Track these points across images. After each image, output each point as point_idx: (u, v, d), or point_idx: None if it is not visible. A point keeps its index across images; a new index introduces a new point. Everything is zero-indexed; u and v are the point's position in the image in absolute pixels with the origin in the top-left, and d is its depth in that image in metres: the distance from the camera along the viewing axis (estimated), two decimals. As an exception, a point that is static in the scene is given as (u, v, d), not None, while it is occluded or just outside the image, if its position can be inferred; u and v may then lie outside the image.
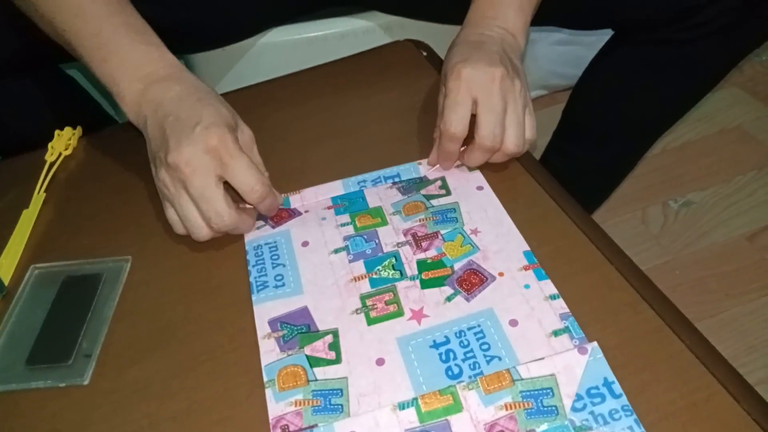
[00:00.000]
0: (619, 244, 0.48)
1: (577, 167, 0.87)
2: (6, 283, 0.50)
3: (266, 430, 0.39)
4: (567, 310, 0.43)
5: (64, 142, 0.62)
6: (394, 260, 0.48)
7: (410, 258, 0.48)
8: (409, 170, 0.56)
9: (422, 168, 0.56)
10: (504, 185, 0.54)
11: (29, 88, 0.70)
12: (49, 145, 0.62)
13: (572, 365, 0.40)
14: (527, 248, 0.48)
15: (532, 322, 0.43)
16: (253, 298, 0.47)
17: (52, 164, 0.61)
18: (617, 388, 0.39)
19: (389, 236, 0.50)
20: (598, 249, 0.48)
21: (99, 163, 0.62)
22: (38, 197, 0.57)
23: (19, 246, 0.53)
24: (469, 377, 0.40)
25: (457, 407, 0.38)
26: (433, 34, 0.75)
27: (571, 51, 1.27)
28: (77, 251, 0.53)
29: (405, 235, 0.50)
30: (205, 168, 0.46)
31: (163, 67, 0.52)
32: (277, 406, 0.40)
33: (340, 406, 0.39)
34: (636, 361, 0.41)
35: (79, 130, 0.64)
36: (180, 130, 0.47)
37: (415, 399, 0.39)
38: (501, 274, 0.46)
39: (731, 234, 1.12)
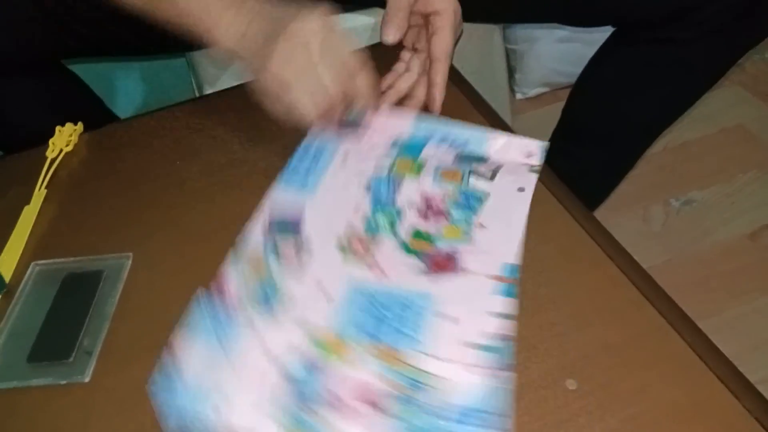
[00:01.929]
0: (620, 242, 0.48)
1: (577, 166, 0.87)
2: (7, 280, 0.50)
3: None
4: (511, 333, 0.42)
5: (65, 138, 0.62)
6: (395, 217, 0.49)
7: (409, 221, 0.49)
8: (478, 141, 0.55)
9: (490, 142, 0.55)
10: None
11: (32, 84, 0.70)
12: (50, 141, 0.62)
13: (475, 382, 0.39)
14: (515, 263, 0.46)
15: (469, 326, 0.42)
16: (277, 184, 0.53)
17: (53, 161, 0.61)
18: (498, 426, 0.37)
19: (409, 190, 0.51)
20: (600, 247, 0.48)
21: (100, 159, 0.62)
22: (39, 194, 0.57)
23: (20, 243, 0.53)
24: (375, 339, 0.42)
25: (344, 358, 0.40)
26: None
27: (573, 48, 1.27)
28: (78, 248, 0.53)
29: (421, 198, 0.51)
30: (303, 59, 0.49)
31: None
32: (228, 269, 0.46)
33: (269, 303, 0.44)
34: (638, 360, 0.41)
35: (80, 127, 0.64)
36: (275, 32, 0.49)
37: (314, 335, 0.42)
38: (474, 273, 0.46)
39: (733, 232, 1.12)
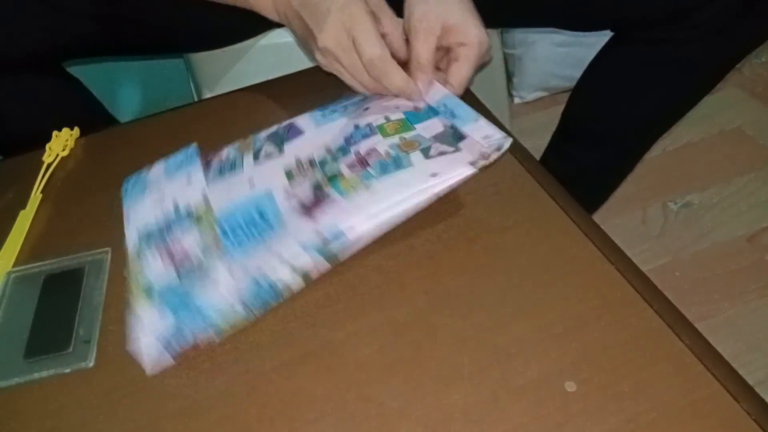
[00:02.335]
0: (618, 244, 0.48)
1: (576, 169, 0.87)
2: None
3: (265, 425, 0.39)
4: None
5: (61, 143, 0.62)
6: (336, 161, 0.52)
7: (338, 165, 0.51)
8: (468, 123, 0.54)
9: (475, 126, 0.53)
10: (504, 185, 0.53)
11: (32, 87, 0.70)
12: (47, 146, 0.62)
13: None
14: (348, 237, 0.46)
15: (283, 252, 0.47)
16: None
17: (49, 165, 0.60)
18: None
19: (367, 143, 0.52)
20: (597, 249, 0.48)
21: (95, 164, 0.62)
22: (35, 198, 0.57)
23: (15, 247, 0.53)
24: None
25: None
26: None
27: (572, 52, 1.27)
28: (65, 251, 0.53)
29: (365, 150, 0.52)
30: (349, 48, 0.52)
31: None
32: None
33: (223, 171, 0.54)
34: (636, 361, 0.40)
35: (76, 131, 0.64)
36: (318, 15, 0.53)
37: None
38: (317, 224, 0.47)
39: (731, 234, 1.12)
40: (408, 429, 0.39)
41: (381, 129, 0.53)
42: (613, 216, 1.16)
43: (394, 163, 0.49)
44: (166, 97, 1.09)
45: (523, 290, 0.45)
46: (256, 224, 0.49)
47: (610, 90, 0.78)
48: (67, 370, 0.44)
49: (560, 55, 1.30)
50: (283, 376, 0.42)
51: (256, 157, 0.55)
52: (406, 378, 0.41)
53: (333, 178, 0.50)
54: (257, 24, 0.80)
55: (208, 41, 0.80)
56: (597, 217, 1.11)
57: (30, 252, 0.53)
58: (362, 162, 0.51)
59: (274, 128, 0.58)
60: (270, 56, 0.83)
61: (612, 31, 0.74)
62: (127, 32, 0.69)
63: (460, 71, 0.56)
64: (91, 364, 0.44)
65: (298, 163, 0.53)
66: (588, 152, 0.86)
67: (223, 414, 0.41)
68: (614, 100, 0.78)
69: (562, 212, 0.51)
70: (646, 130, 0.82)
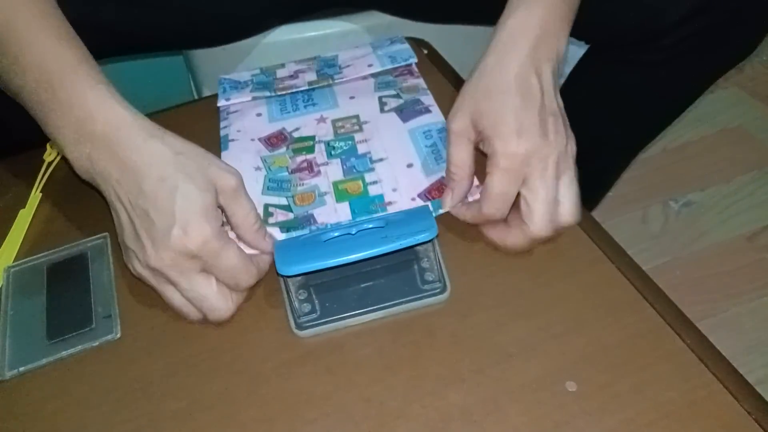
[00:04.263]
0: (619, 243, 0.48)
1: None
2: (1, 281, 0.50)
3: (265, 425, 0.39)
4: None
5: (62, 141, 0.62)
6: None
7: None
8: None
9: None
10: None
11: None
12: (48, 144, 0.62)
13: None
14: None
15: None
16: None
17: (50, 164, 0.60)
18: None
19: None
20: (598, 248, 0.48)
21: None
22: (35, 197, 0.57)
23: (15, 244, 0.53)
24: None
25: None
26: (434, 33, 0.75)
27: (570, 51, 1.27)
28: (71, 243, 0.53)
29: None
30: (189, 270, 0.42)
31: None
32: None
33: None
34: (636, 360, 0.40)
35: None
36: (154, 231, 0.42)
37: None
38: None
39: (731, 234, 1.12)
40: (407, 429, 0.39)
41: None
42: (614, 215, 1.16)
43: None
44: (165, 94, 1.09)
45: (523, 290, 0.45)
46: None
47: (584, 107, 0.78)
48: (95, 344, 0.45)
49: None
50: (282, 376, 0.42)
51: None
52: (406, 378, 0.41)
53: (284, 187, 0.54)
54: (257, 22, 0.80)
55: (208, 39, 0.80)
56: (597, 216, 1.11)
57: (30, 248, 0.53)
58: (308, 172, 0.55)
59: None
60: (270, 54, 0.83)
61: (587, 44, 0.73)
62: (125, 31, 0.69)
63: (486, 187, 0.46)
64: (118, 335, 0.45)
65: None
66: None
67: (223, 414, 0.41)
68: (588, 117, 0.78)
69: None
70: (622, 147, 0.82)
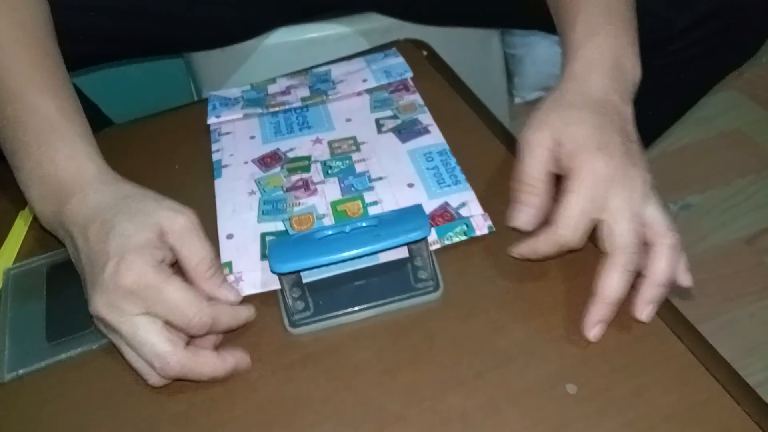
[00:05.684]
0: (618, 246, 0.48)
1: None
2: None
3: (263, 429, 0.39)
4: None
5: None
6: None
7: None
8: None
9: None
10: (504, 191, 0.53)
11: None
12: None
13: None
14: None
15: None
16: None
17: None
18: None
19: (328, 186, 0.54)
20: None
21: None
22: (35, 198, 0.57)
23: (14, 247, 0.53)
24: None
25: None
26: (434, 35, 0.75)
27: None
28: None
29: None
30: (128, 314, 0.39)
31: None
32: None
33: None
34: (636, 363, 0.40)
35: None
36: (93, 275, 0.40)
37: None
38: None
39: (730, 237, 1.12)
40: (407, 432, 0.39)
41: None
42: (613, 217, 1.16)
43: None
44: (165, 96, 1.09)
45: (522, 293, 0.45)
46: None
47: None
48: (94, 347, 0.45)
49: (560, 55, 1.30)
50: (281, 379, 0.42)
51: None
52: (405, 382, 0.41)
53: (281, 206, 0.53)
54: (258, 25, 0.80)
55: (208, 41, 0.80)
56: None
57: (29, 251, 0.53)
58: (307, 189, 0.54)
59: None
60: (270, 56, 0.83)
61: None
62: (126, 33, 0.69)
63: (563, 210, 0.42)
64: None
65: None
66: None
67: (222, 418, 0.40)
68: None
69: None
70: None
